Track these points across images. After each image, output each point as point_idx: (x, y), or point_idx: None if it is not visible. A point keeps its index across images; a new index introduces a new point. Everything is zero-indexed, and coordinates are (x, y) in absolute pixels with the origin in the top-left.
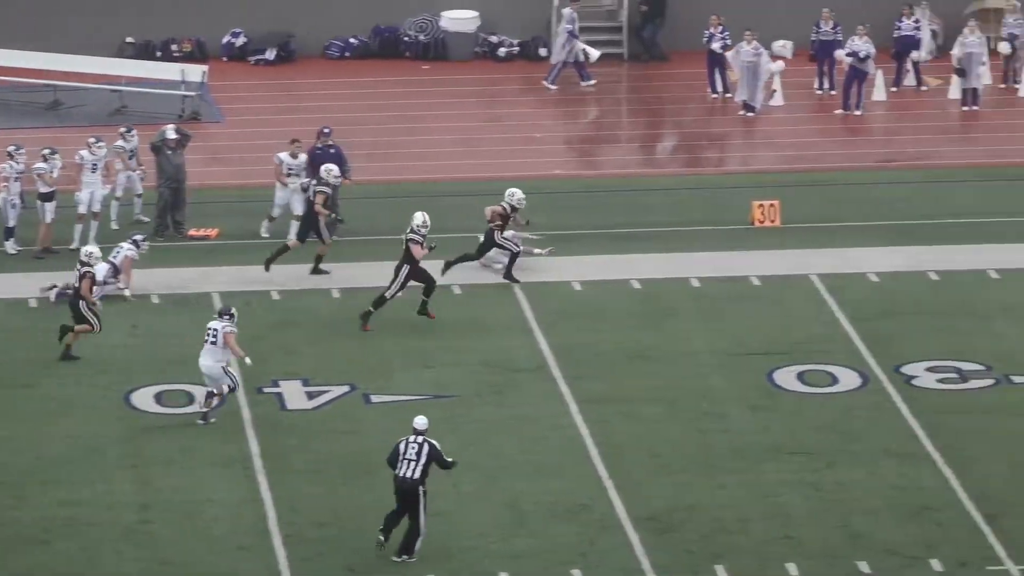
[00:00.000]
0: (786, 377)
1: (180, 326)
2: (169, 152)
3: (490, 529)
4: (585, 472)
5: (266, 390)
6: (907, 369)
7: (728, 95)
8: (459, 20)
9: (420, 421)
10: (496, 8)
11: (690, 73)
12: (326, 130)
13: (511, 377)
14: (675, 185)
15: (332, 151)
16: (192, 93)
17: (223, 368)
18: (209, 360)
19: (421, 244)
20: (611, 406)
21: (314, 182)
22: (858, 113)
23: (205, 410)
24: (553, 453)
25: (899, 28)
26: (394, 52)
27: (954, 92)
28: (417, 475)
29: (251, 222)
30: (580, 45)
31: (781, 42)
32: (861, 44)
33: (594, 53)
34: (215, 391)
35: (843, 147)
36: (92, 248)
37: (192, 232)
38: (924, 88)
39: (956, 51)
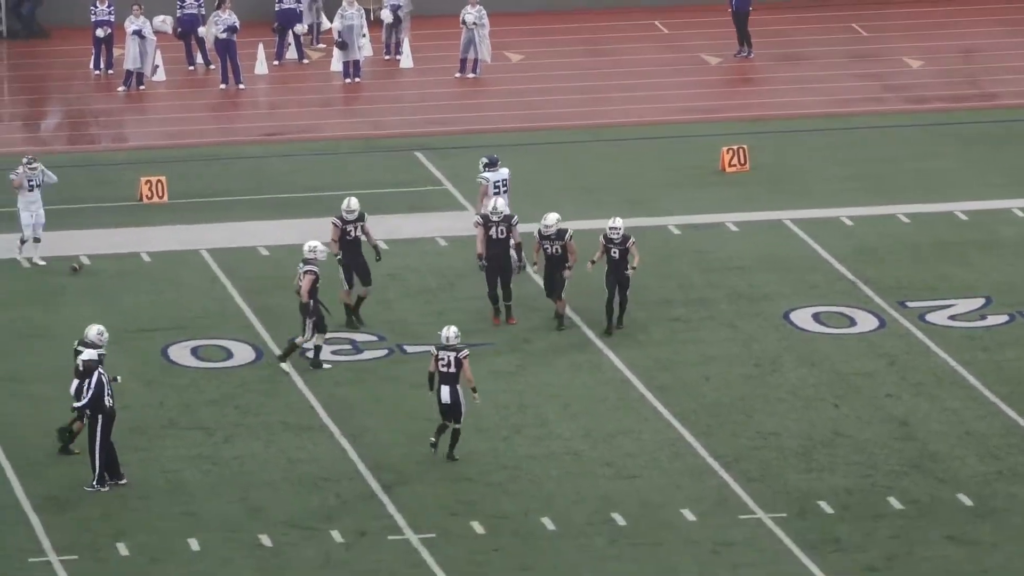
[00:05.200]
0: (181, 353)
1: None
2: None
3: None
4: None
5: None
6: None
7: (111, 72)
8: None
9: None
10: None
11: (73, 50)
12: None
13: None
14: (63, 163)
15: None
16: None
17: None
18: None
19: None
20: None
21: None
22: (241, 87)
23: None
24: None
25: (280, 2)
26: None
27: (336, 65)
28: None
29: None
30: None
31: (161, 17)
32: (226, 17)
33: None
34: None
35: (227, 122)
36: None
37: None
38: (306, 61)
39: (336, 24)
